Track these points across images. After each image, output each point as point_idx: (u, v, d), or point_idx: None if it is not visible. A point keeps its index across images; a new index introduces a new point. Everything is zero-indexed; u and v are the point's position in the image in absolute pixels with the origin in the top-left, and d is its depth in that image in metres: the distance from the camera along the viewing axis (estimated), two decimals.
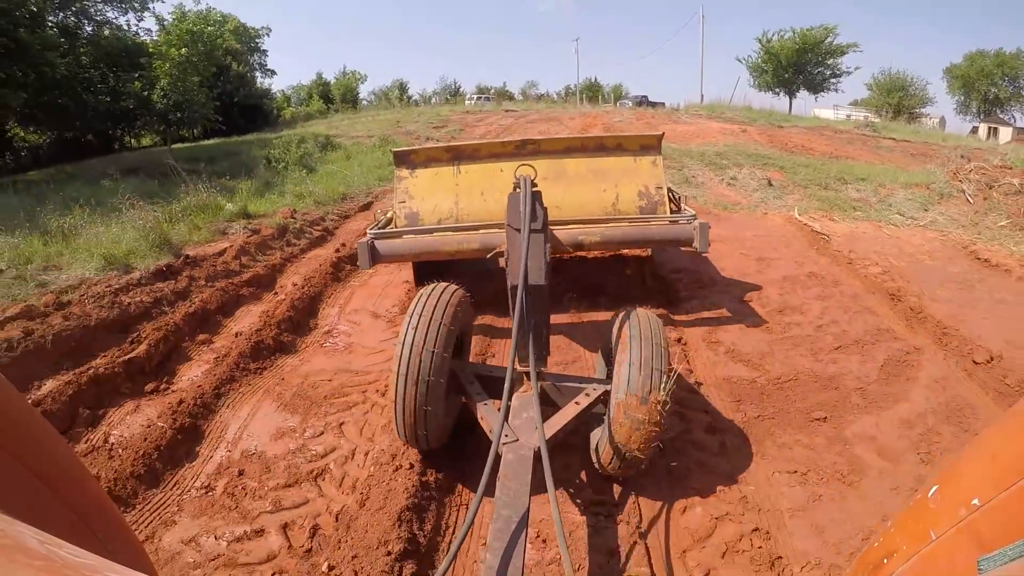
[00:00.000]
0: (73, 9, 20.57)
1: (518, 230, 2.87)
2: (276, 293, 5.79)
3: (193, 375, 4.24)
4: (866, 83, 51.46)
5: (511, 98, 56.75)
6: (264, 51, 36.93)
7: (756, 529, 2.61)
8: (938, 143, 20.56)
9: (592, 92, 58.30)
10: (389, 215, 4.72)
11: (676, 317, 4.91)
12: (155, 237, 6.34)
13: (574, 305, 5.05)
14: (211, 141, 23.24)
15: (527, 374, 2.77)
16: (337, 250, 6.93)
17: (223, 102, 24.43)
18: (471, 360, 3.77)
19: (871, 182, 10.52)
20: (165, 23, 20.63)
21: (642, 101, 47.35)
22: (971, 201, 9.12)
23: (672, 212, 4.48)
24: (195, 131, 25.10)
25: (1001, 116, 48.41)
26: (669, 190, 4.67)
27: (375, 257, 4.15)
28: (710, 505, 2.76)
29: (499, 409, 2.38)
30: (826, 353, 4.27)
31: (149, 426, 3.52)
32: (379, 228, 4.40)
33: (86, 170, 16.96)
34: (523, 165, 3.17)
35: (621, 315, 2.95)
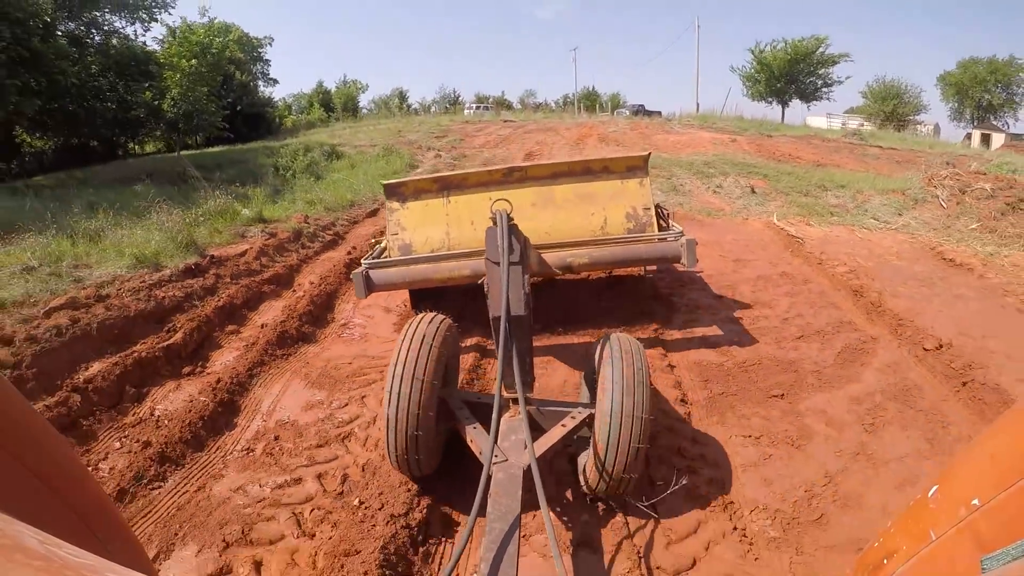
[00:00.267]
0: (84, 19, 21.19)
1: (497, 263, 2.97)
2: (295, 290, 6.33)
3: (226, 360, 4.75)
4: (861, 91, 52.17)
5: (509, 107, 57.39)
6: (267, 60, 37.57)
7: (712, 480, 3.13)
8: (924, 150, 21.14)
9: (590, 101, 58.84)
10: (383, 245, 4.78)
11: (656, 310, 5.42)
12: (183, 238, 6.87)
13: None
14: (216, 149, 23.77)
15: (514, 399, 2.89)
16: (349, 252, 7.49)
17: (227, 111, 24.97)
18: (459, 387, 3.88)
19: (850, 188, 11.10)
20: (175, 33, 21.17)
21: (639, 110, 47.83)
22: (944, 206, 9.66)
23: (661, 229, 4.53)
24: (197, 139, 25.67)
25: (994, 123, 48.79)
26: (657, 207, 4.72)
27: (370, 287, 4.25)
28: (676, 460, 3.28)
29: (489, 432, 2.49)
30: (789, 342, 4.80)
31: (191, 401, 4.03)
32: (373, 258, 4.49)
33: (96, 176, 17.47)
34: (499, 200, 3.22)
35: (602, 341, 3.04)
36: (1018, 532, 0.83)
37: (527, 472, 2.49)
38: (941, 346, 4.64)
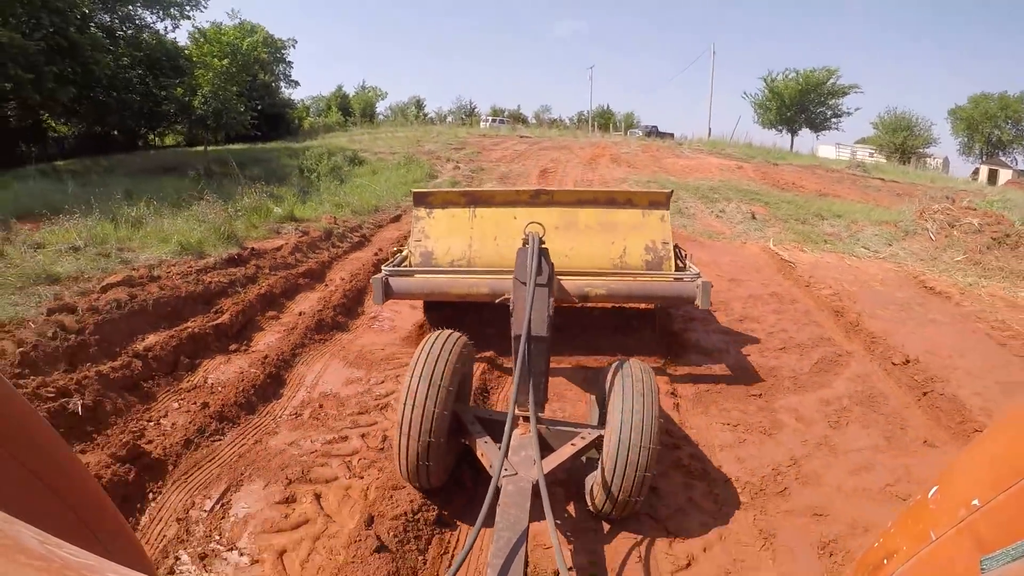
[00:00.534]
0: (118, 13, 22.02)
1: (524, 283, 3.06)
2: (327, 285, 6.92)
3: (268, 341, 5.32)
4: (872, 122, 52.83)
5: (524, 122, 58.40)
6: (289, 62, 38.43)
7: (693, 455, 3.70)
8: (925, 184, 21.76)
9: (604, 119, 59.66)
10: (404, 253, 4.85)
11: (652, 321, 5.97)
12: (225, 230, 7.49)
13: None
14: (237, 146, 24.52)
15: (525, 417, 2.95)
16: (376, 254, 8.10)
17: (256, 111, 25.70)
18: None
19: (845, 219, 11.71)
20: (205, 34, 21.95)
21: (652, 131, 48.56)
22: (933, 238, 10.24)
23: (678, 268, 4.57)
24: (218, 136, 26.45)
25: (1003, 159, 49.50)
26: (676, 247, 4.76)
27: (388, 294, 4.30)
28: (664, 439, 3.83)
29: (499, 446, 2.60)
30: (771, 352, 5.36)
31: (241, 373, 4.58)
32: (394, 266, 4.54)
33: (122, 165, 18.12)
34: (532, 223, 3.32)
35: (614, 365, 3.10)
36: (1018, 533, 0.83)
37: (536, 486, 2.55)
38: (908, 361, 5.17)
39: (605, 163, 21.98)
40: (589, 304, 4.80)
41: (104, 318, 5.05)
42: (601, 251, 4.57)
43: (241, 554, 2.73)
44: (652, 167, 20.91)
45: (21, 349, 4.22)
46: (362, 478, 3.30)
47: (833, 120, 46.80)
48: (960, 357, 5.43)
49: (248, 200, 9.45)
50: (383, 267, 4.47)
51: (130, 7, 22.32)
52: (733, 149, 29.27)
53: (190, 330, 5.12)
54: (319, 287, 6.86)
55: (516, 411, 2.93)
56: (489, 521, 2.36)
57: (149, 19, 23.42)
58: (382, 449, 3.60)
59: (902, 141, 47.97)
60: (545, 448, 2.98)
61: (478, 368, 4.55)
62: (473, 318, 4.88)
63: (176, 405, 4.18)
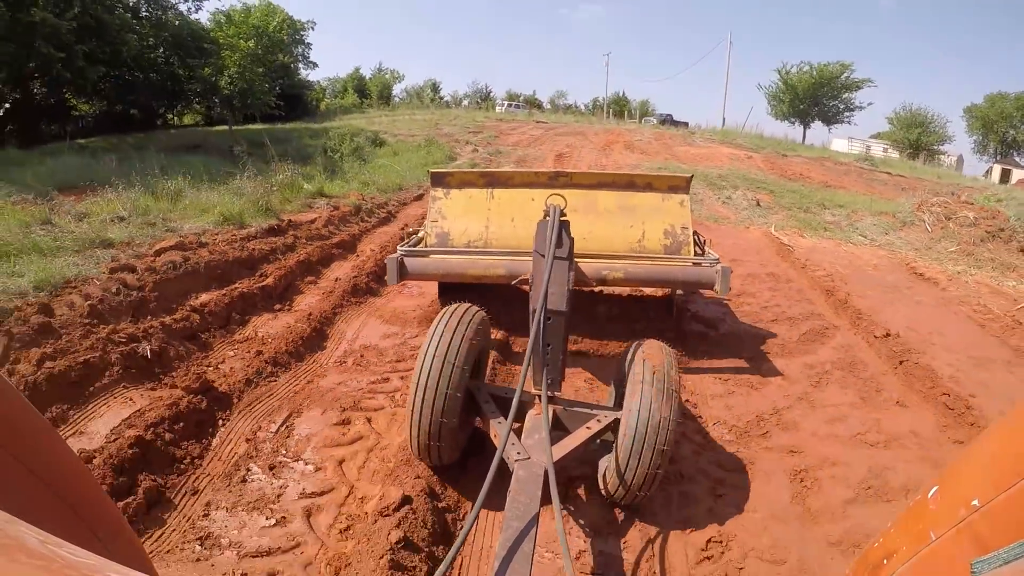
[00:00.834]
0: None
1: (543, 256, 3.00)
2: (358, 255, 7.52)
3: (309, 302, 5.90)
4: (887, 117, 52.80)
5: (540, 107, 58.71)
6: (308, 44, 38.86)
7: (687, 400, 4.25)
8: (931, 180, 22.08)
9: (619, 107, 59.74)
10: (421, 234, 4.83)
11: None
12: (263, 203, 8.08)
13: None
14: (258, 126, 25.08)
15: (540, 397, 2.87)
16: (402, 228, 8.72)
17: (279, 90, 26.23)
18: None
19: (847, 208, 12.21)
20: (229, 14, 22.48)
21: (666, 120, 48.69)
22: (929, 230, 10.71)
23: (696, 253, 4.55)
24: (238, 116, 27.05)
25: (1016, 159, 49.32)
26: (695, 234, 4.70)
27: (403, 274, 4.29)
28: None
29: (511, 426, 2.57)
30: (764, 323, 5.89)
31: (288, 327, 5.14)
32: (410, 246, 4.53)
33: (150, 142, 18.68)
34: (554, 195, 3.29)
35: (634, 345, 3.09)
36: (1018, 533, 0.83)
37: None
38: (888, 335, 5.66)
39: (619, 149, 22.49)
40: (606, 289, 4.84)
41: (161, 277, 5.63)
42: (620, 234, 4.53)
43: (306, 464, 3.31)
44: (664, 154, 21.40)
45: (89, 302, 4.80)
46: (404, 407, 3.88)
47: (846, 114, 47.08)
48: (939, 335, 5.91)
49: (281, 176, 10.06)
50: (398, 247, 4.45)
51: None
52: (744, 139, 29.66)
53: (239, 290, 5.68)
54: (351, 257, 7.45)
55: (532, 390, 2.96)
56: (498, 505, 2.40)
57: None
58: None
59: (916, 137, 47.91)
60: (561, 429, 2.95)
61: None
62: (490, 302, 4.73)
63: (232, 353, 4.76)
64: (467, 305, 3.18)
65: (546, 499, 2.36)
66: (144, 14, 22.60)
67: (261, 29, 20.42)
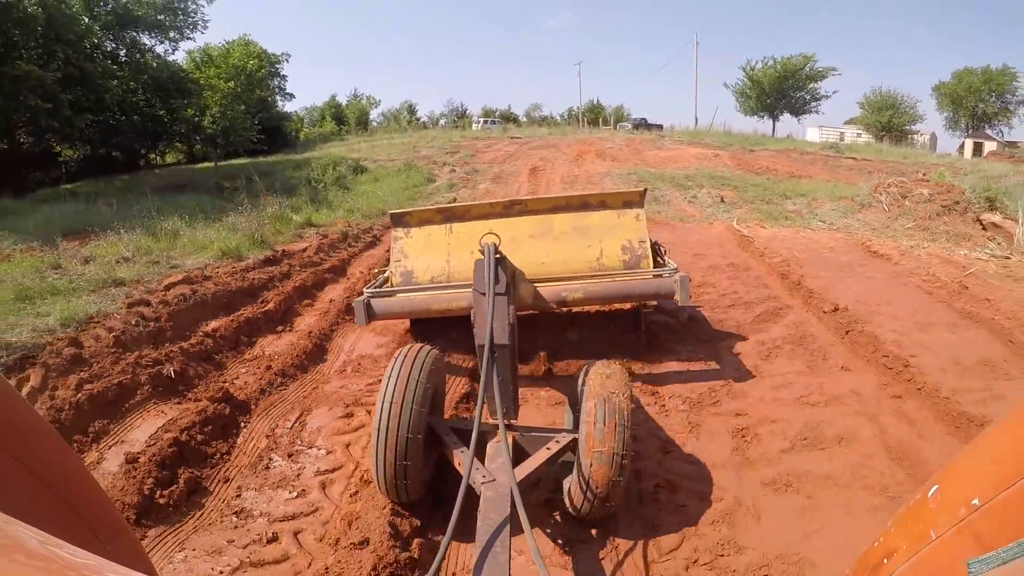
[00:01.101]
0: (124, 40, 23.24)
1: (483, 294, 3.10)
2: (348, 278, 8.11)
3: (308, 322, 6.46)
4: (858, 102, 53.90)
5: (516, 121, 59.60)
6: (284, 76, 39.60)
7: (647, 379, 4.84)
8: (897, 160, 22.89)
9: (594, 114, 60.53)
10: (386, 274, 4.95)
11: None
12: (257, 236, 8.66)
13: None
14: (240, 160, 25.65)
15: (498, 426, 2.94)
16: (386, 251, 9.23)
17: (259, 125, 26.80)
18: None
19: (807, 197, 12.91)
20: (208, 53, 23.14)
21: (641, 123, 49.37)
22: (887, 209, 11.35)
23: (657, 264, 4.66)
24: (220, 153, 27.65)
25: (988, 132, 50.18)
26: (654, 244, 4.81)
27: (371, 315, 4.42)
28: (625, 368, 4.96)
29: (477, 455, 2.71)
30: (722, 309, 6.48)
31: (292, 344, 5.70)
32: (376, 287, 4.67)
33: (137, 184, 19.22)
34: (488, 234, 3.36)
35: (586, 367, 3.23)
36: (1018, 532, 0.82)
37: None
38: (837, 309, 6.14)
39: (591, 159, 23.25)
40: (575, 309, 4.98)
41: (174, 308, 6.20)
42: (578, 255, 4.61)
43: (319, 449, 3.90)
44: (634, 160, 22.18)
45: (113, 334, 5.37)
46: None
47: (812, 104, 48.21)
48: (887, 305, 6.42)
49: (271, 209, 10.66)
50: (364, 289, 4.61)
51: (134, 33, 23.57)
52: (712, 138, 30.56)
53: (244, 316, 6.25)
54: (343, 280, 8.03)
55: (490, 419, 3.08)
56: (467, 528, 2.55)
57: (148, 42, 24.73)
58: None
59: (888, 119, 48.90)
60: (522, 455, 3.06)
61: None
62: (457, 331, 5.03)
63: (244, 370, 5.31)
64: (420, 346, 3.32)
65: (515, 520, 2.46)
66: (123, 59, 23.27)
67: (240, 68, 21.08)
